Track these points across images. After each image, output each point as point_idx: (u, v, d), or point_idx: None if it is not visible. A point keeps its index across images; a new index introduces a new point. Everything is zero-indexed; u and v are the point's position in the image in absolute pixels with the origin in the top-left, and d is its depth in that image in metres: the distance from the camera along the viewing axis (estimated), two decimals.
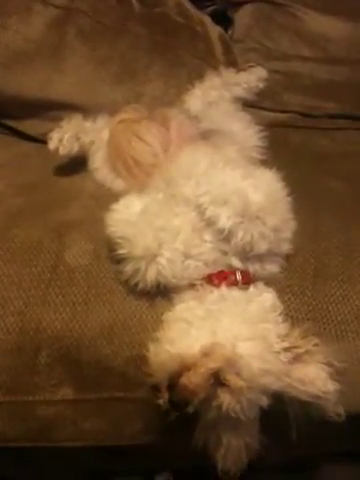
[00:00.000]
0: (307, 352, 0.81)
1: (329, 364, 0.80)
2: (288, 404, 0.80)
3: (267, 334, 0.81)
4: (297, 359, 0.81)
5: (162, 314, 0.91)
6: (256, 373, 0.77)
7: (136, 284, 0.92)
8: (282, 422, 0.81)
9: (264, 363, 0.78)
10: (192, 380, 0.76)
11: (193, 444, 0.85)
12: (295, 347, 0.81)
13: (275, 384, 0.78)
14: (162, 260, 0.89)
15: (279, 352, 0.80)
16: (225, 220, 0.87)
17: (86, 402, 0.95)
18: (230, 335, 0.80)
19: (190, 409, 0.76)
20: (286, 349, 0.81)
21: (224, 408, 0.77)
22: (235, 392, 0.77)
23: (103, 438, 1.00)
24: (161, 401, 0.79)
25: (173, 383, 0.77)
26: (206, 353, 0.78)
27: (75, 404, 0.95)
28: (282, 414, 0.81)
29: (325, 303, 0.97)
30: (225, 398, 0.77)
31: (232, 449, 0.83)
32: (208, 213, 0.89)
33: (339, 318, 0.96)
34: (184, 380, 0.76)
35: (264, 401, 0.79)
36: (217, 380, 0.77)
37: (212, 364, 0.77)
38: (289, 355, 0.80)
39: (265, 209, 0.87)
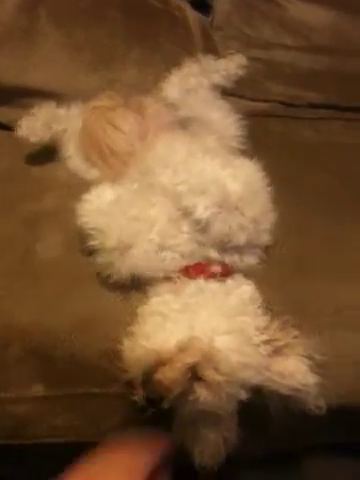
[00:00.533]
0: (287, 345, 0.79)
1: (309, 357, 0.78)
2: (268, 397, 0.78)
3: (246, 327, 0.79)
4: (277, 352, 0.79)
5: (137, 307, 0.87)
6: (235, 367, 0.75)
7: (109, 276, 0.89)
8: (262, 415, 0.79)
9: (243, 356, 0.76)
10: (167, 375, 0.73)
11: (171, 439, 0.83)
12: (274, 340, 0.79)
13: (254, 378, 0.76)
14: (136, 251, 0.86)
15: (258, 345, 0.78)
16: (202, 210, 0.84)
17: (59, 398, 0.92)
18: (207, 329, 0.77)
19: (165, 405, 0.73)
20: (265, 342, 0.78)
21: (201, 403, 0.74)
22: (212, 387, 0.74)
23: (78, 434, 0.96)
24: (136, 397, 0.76)
25: (148, 379, 0.74)
26: (182, 348, 0.76)
27: (48, 400, 0.92)
28: (262, 407, 0.78)
29: (305, 296, 0.95)
30: (202, 393, 0.74)
31: (209, 443, 0.80)
32: (185, 202, 0.87)
33: (318, 312, 0.93)
34: (159, 375, 0.73)
35: (243, 395, 0.76)
36: (194, 375, 0.75)
37: (189, 359, 0.74)
38: (268, 348, 0.78)
39: (244, 199, 0.85)
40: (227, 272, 0.90)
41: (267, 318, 0.82)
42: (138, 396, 0.76)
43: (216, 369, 0.75)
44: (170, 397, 0.73)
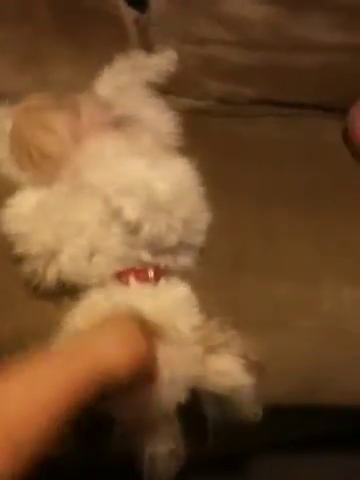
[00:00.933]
0: (223, 344, 0.78)
1: (244, 357, 0.77)
2: (204, 403, 0.77)
3: (178, 324, 0.78)
4: (212, 351, 0.78)
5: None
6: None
7: (38, 286, 0.85)
8: (199, 421, 0.78)
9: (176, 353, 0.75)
10: None
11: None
12: (209, 338, 0.78)
13: (188, 375, 0.75)
14: (63, 257, 0.83)
15: (192, 343, 0.77)
16: (130, 211, 0.83)
17: None
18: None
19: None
20: (199, 340, 0.78)
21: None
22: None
23: None
24: None
25: None
26: None
27: None
28: (199, 414, 0.78)
29: (242, 297, 0.95)
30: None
31: (158, 459, 0.79)
32: (114, 204, 0.84)
33: (257, 311, 0.94)
34: None
35: (181, 396, 0.75)
36: None
37: None
38: (202, 347, 0.77)
39: (172, 200, 0.84)
40: (161, 276, 0.88)
41: (202, 317, 0.82)
42: None
43: None
44: None
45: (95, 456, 0.96)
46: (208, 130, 1.34)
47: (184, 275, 0.91)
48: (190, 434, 0.80)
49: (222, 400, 0.76)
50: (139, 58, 1.15)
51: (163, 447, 0.79)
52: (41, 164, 1.06)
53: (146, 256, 0.88)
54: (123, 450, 0.80)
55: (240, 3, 1.44)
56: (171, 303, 0.82)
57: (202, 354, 0.76)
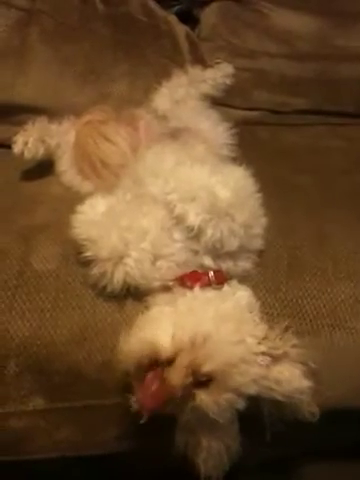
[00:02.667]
0: (284, 353, 0.79)
1: (304, 363, 0.78)
2: (262, 405, 0.78)
3: (244, 336, 0.79)
4: (274, 361, 0.78)
5: (134, 317, 0.88)
6: (233, 378, 0.75)
7: (105, 287, 0.89)
8: (257, 422, 0.78)
9: (241, 366, 0.76)
10: (172, 377, 0.74)
11: (171, 449, 0.82)
12: (273, 349, 0.79)
13: (252, 387, 0.76)
14: (129, 261, 0.86)
15: (257, 354, 0.78)
16: (194, 217, 0.85)
17: (58, 411, 0.92)
18: (204, 332, 0.77)
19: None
20: (264, 353, 0.78)
21: (201, 410, 0.74)
22: (212, 393, 0.74)
23: (77, 447, 0.97)
24: (132, 400, 0.76)
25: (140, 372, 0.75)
26: (179, 346, 0.76)
27: (47, 414, 0.92)
28: (257, 414, 0.78)
29: (300, 298, 0.96)
30: (202, 399, 0.74)
31: (213, 453, 0.80)
32: (177, 210, 0.87)
33: (314, 312, 0.95)
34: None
35: (241, 404, 0.76)
36: (195, 380, 0.75)
37: (189, 357, 0.75)
38: (267, 358, 0.78)
39: (234, 205, 0.85)
40: (222, 279, 0.90)
41: (265, 327, 0.82)
42: (134, 399, 0.76)
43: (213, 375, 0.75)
44: (169, 402, 0.73)
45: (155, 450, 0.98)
46: (259, 139, 1.39)
47: (243, 277, 0.93)
48: (246, 433, 0.81)
49: (280, 403, 0.77)
50: (196, 72, 1.18)
51: (219, 443, 0.80)
52: (103, 174, 1.12)
53: (208, 261, 0.90)
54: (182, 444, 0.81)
55: (288, 16, 1.49)
56: (234, 309, 0.83)
57: (265, 366, 0.78)
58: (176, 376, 0.74)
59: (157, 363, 0.75)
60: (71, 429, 0.94)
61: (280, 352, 0.78)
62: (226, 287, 0.88)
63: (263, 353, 0.78)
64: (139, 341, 0.77)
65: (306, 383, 0.76)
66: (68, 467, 1.09)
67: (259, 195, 0.92)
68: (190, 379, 0.75)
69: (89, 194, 1.02)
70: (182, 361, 0.75)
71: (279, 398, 0.76)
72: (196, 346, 0.76)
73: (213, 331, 0.77)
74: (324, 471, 1.28)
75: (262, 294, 0.94)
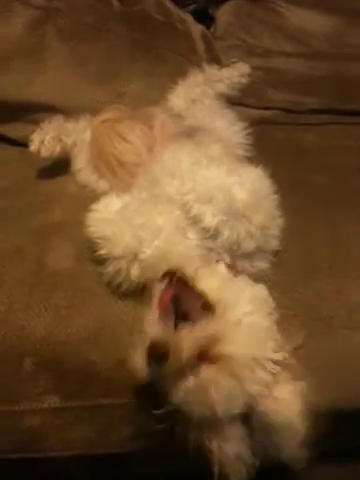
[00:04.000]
0: (292, 377, 0.78)
1: (306, 396, 0.76)
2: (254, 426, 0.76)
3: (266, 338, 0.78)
4: (279, 379, 0.77)
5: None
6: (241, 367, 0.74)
7: (120, 285, 0.90)
8: None
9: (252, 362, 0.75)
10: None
11: (184, 451, 0.82)
12: (284, 362, 0.78)
13: (253, 388, 0.75)
14: (143, 258, 0.87)
15: (271, 360, 0.77)
16: (210, 218, 0.85)
17: (72, 410, 0.92)
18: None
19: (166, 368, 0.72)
20: (276, 362, 0.77)
21: (201, 387, 0.73)
22: (215, 372, 0.74)
23: (91, 446, 0.96)
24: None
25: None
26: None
27: (62, 412, 0.92)
28: None
29: (315, 299, 0.96)
30: (204, 372, 0.74)
31: (228, 457, 0.78)
32: (193, 211, 0.87)
33: (331, 313, 0.94)
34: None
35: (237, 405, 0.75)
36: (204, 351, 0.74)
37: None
38: (278, 368, 0.77)
39: (250, 207, 0.86)
40: (236, 273, 0.88)
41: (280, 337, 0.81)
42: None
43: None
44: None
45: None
46: (273, 138, 1.38)
47: (259, 277, 0.92)
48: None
49: (271, 429, 0.75)
50: (212, 71, 1.18)
51: (231, 449, 0.78)
52: (119, 172, 1.12)
53: (226, 260, 0.89)
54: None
55: (303, 15, 1.49)
56: (258, 300, 0.82)
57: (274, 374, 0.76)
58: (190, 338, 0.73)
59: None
60: (85, 428, 0.94)
61: (288, 374, 0.77)
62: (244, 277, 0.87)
63: (276, 362, 0.77)
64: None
65: (301, 419, 0.75)
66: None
67: (275, 196, 0.92)
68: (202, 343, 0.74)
69: (105, 193, 1.03)
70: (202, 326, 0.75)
71: (271, 420, 0.75)
72: (218, 314, 0.76)
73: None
74: (335, 473, 1.27)
75: (277, 295, 0.92)
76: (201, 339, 0.73)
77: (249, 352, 0.75)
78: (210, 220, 0.85)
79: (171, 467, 1.17)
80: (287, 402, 0.76)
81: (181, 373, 0.73)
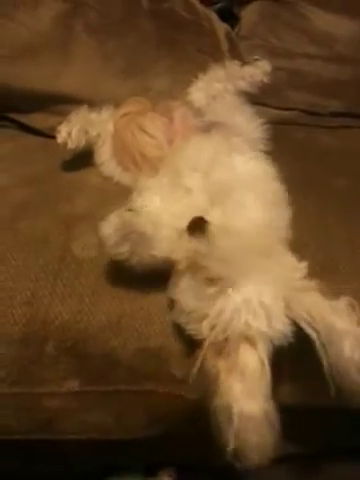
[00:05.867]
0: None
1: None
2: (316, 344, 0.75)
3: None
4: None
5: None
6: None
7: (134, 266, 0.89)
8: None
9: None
10: None
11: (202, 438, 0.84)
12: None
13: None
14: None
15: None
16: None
17: (92, 394, 0.95)
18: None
19: None
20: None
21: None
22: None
23: (107, 431, 0.99)
24: None
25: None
26: None
27: (81, 396, 0.95)
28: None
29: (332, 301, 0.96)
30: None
31: (251, 445, 0.73)
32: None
33: None
34: None
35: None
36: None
37: None
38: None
39: None
40: None
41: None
42: None
43: None
44: None
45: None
46: (293, 139, 1.40)
47: None
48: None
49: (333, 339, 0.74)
50: (234, 67, 1.19)
51: (254, 405, 0.73)
52: (141, 164, 1.14)
53: None
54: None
55: (328, 19, 1.50)
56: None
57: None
58: None
59: None
60: (102, 412, 0.97)
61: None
62: None
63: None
64: None
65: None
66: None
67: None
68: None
69: (128, 185, 1.06)
70: None
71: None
72: None
73: None
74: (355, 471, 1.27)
75: None
76: None
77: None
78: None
79: (181, 456, 1.20)
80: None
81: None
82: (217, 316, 0.77)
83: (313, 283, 0.82)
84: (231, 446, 0.70)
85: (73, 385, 0.94)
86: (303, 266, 0.84)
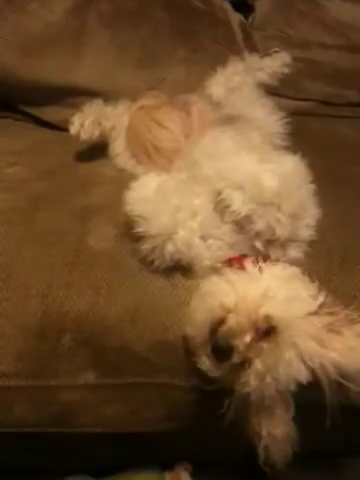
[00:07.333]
0: (343, 323, 0.79)
1: None
2: (324, 384, 0.76)
3: (302, 293, 0.81)
4: (333, 329, 0.79)
5: (186, 299, 0.90)
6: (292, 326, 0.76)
7: (153, 262, 0.91)
8: (312, 411, 0.78)
9: (299, 321, 0.77)
10: (237, 319, 0.76)
11: (217, 432, 0.84)
12: (331, 313, 0.80)
13: (311, 347, 0.76)
14: (178, 238, 0.88)
15: (315, 314, 0.79)
16: (240, 205, 0.86)
17: (108, 387, 0.94)
18: (262, 289, 0.79)
19: (235, 358, 0.75)
20: (321, 313, 0.79)
21: (259, 374, 0.75)
22: (278, 345, 0.75)
23: (124, 424, 0.99)
24: (202, 359, 0.80)
25: (216, 328, 0.77)
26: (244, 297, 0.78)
27: (97, 389, 0.94)
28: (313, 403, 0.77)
29: (352, 289, 0.95)
30: (266, 350, 0.76)
31: (275, 440, 0.81)
32: (223, 196, 0.88)
33: None
34: (230, 320, 0.76)
35: (302, 372, 0.76)
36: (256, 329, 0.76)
37: (253, 305, 0.77)
38: (325, 320, 0.79)
39: (280, 195, 0.85)
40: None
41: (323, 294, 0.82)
42: (204, 355, 0.79)
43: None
44: (239, 345, 0.75)
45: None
46: (310, 130, 1.38)
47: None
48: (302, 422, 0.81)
49: (343, 383, 0.76)
50: (253, 60, 1.17)
51: (278, 429, 0.80)
52: (156, 158, 1.13)
53: (258, 245, 0.90)
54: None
55: (343, 8, 1.48)
56: (294, 274, 0.85)
57: (323, 331, 0.78)
58: (243, 318, 0.76)
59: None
60: (119, 406, 0.96)
61: (339, 317, 0.79)
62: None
63: (320, 314, 0.79)
64: (210, 306, 0.79)
65: None
66: None
67: (311, 186, 0.91)
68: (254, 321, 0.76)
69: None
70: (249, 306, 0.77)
71: (341, 372, 0.75)
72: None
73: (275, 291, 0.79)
74: None
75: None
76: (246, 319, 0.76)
77: (294, 312, 0.77)
78: (239, 207, 0.86)
79: (198, 451, 1.19)
80: (352, 346, 0.76)
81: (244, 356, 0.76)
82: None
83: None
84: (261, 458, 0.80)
85: (89, 378, 0.94)
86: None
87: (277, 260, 0.91)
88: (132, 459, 1.22)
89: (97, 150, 1.23)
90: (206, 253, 0.90)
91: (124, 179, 1.09)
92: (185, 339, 0.86)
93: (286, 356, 0.75)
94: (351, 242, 1.02)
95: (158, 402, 0.96)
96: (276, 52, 1.17)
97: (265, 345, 0.76)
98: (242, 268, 0.87)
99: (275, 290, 0.79)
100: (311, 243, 0.96)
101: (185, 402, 0.94)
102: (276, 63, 1.16)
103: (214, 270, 0.90)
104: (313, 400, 0.76)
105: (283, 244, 0.91)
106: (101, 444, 1.10)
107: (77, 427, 0.99)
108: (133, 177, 1.06)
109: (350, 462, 1.26)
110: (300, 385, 0.77)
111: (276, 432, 0.80)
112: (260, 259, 0.89)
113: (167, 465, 1.23)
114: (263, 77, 1.16)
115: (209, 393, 0.84)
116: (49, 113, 1.38)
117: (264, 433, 0.80)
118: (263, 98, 1.21)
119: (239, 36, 1.42)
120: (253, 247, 0.91)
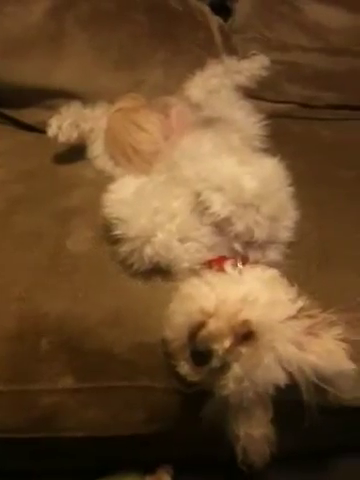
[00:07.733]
0: (322, 326, 0.80)
1: (346, 340, 0.78)
2: (302, 387, 0.77)
3: (281, 297, 0.81)
4: (312, 332, 0.79)
5: (165, 300, 0.89)
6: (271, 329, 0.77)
7: (132, 265, 0.91)
8: (294, 412, 0.78)
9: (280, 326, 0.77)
10: (217, 324, 0.75)
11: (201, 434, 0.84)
12: (310, 316, 0.80)
13: (290, 351, 0.77)
14: (157, 241, 0.88)
15: (295, 317, 0.79)
16: (220, 207, 0.86)
17: (88, 391, 0.93)
18: (242, 293, 0.79)
19: (214, 362, 0.75)
20: (300, 317, 0.80)
21: (238, 377, 0.75)
22: (257, 350, 0.75)
23: (105, 428, 0.98)
24: (181, 363, 0.80)
25: (195, 332, 0.76)
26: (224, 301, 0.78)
27: (77, 393, 0.93)
28: (292, 403, 0.78)
29: (330, 291, 0.95)
30: (245, 354, 0.75)
31: (253, 441, 0.81)
32: (203, 198, 0.88)
33: (346, 306, 0.94)
34: (210, 325, 0.76)
35: (281, 376, 0.76)
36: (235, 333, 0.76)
37: (233, 309, 0.77)
38: (304, 323, 0.79)
39: (259, 196, 0.86)
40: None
41: (302, 298, 0.83)
42: (183, 360, 0.79)
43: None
44: (219, 350, 0.75)
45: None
46: (290, 132, 1.39)
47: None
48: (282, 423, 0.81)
49: (321, 386, 0.76)
50: (232, 62, 1.18)
51: (256, 430, 0.80)
52: (134, 160, 1.13)
53: (237, 246, 0.90)
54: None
55: (322, 10, 1.49)
56: (273, 277, 0.85)
57: (302, 334, 0.78)
58: (222, 323, 0.76)
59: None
60: (100, 409, 0.95)
61: (318, 321, 0.80)
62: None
63: (300, 318, 0.79)
64: (190, 310, 0.79)
65: (350, 364, 0.76)
66: None
67: (290, 188, 0.92)
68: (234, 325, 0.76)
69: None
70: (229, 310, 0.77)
71: (320, 374, 0.76)
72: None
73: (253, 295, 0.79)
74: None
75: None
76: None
77: (273, 316, 0.78)
78: (219, 208, 0.86)
79: (179, 453, 1.19)
80: (330, 350, 0.77)
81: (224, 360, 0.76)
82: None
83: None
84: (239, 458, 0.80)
85: (69, 381, 0.92)
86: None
87: (256, 262, 0.91)
88: (114, 462, 1.21)
89: (77, 152, 1.23)
90: (185, 255, 0.90)
91: (104, 181, 1.09)
92: (164, 342, 0.85)
93: (265, 360, 0.75)
94: (330, 244, 1.03)
95: (139, 405, 0.95)
96: (254, 55, 1.18)
97: (244, 349, 0.76)
98: (222, 270, 0.87)
99: (255, 294, 0.79)
100: (290, 245, 0.97)
101: (166, 405, 0.94)
102: (254, 66, 1.16)
103: (193, 272, 0.90)
104: (295, 400, 0.77)
105: (262, 246, 0.92)
106: (83, 447, 1.09)
107: (58, 431, 0.97)
108: (112, 180, 1.07)
109: (336, 461, 1.26)
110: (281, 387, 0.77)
111: (254, 433, 0.80)
112: (239, 261, 0.89)
113: (149, 468, 1.22)
114: (241, 80, 1.16)
115: (189, 395, 0.85)
116: (28, 115, 1.37)
117: (242, 434, 0.80)
118: (242, 100, 1.22)
119: (218, 39, 1.43)
120: (232, 249, 0.91)
